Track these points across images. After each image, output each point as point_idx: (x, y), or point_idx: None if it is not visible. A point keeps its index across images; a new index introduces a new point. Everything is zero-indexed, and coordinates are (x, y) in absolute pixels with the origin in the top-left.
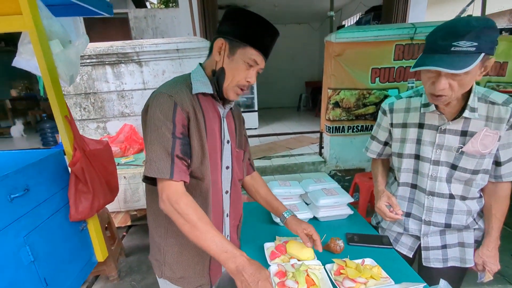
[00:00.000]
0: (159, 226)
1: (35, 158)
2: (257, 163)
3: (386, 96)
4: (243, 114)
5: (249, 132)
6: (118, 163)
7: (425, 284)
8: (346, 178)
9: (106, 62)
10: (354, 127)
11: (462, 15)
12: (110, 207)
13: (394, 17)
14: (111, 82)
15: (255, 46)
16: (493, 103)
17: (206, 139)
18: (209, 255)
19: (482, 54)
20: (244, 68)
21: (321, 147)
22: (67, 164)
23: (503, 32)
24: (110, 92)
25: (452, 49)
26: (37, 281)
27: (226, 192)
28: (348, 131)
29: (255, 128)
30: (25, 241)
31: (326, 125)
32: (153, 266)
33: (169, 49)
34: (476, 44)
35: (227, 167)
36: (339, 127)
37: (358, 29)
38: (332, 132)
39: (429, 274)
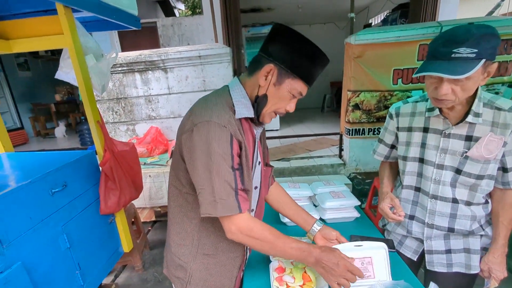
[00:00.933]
0: (187, 246)
1: (72, 158)
2: (275, 164)
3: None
4: None
5: (270, 134)
6: (144, 163)
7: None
8: (366, 181)
9: (135, 70)
10: (375, 130)
11: (496, 11)
12: (136, 203)
13: (422, 15)
14: (140, 88)
15: (306, 80)
16: (499, 109)
17: (247, 164)
18: (236, 273)
19: (483, 60)
20: (287, 98)
21: (341, 150)
22: (98, 163)
23: None
24: (139, 97)
25: (453, 55)
26: (72, 265)
27: (252, 210)
28: (368, 134)
29: (277, 130)
30: (63, 230)
31: (346, 127)
32: (172, 282)
33: (192, 56)
34: (476, 50)
35: (256, 187)
36: (359, 129)
37: (379, 30)
38: (352, 135)
39: (434, 279)
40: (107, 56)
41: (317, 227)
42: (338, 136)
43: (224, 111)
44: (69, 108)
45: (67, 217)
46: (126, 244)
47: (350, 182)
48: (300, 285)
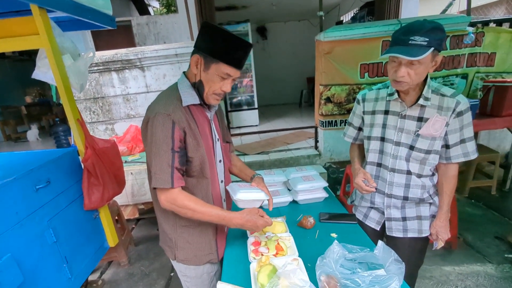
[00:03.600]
0: (168, 219)
1: (54, 156)
2: (255, 157)
3: None
4: (244, 112)
5: (249, 129)
6: (126, 161)
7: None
8: (340, 170)
9: (112, 69)
10: (346, 121)
11: (448, 9)
12: (119, 200)
13: (386, 13)
14: (117, 87)
15: (226, 62)
16: (443, 95)
17: (202, 143)
18: (214, 236)
19: (432, 48)
20: (218, 80)
21: (316, 141)
22: (80, 160)
23: (489, 23)
24: (116, 96)
25: (410, 42)
26: (59, 258)
27: (221, 181)
28: (340, 125)
29: (256, 125)
30: (48, 224)
31: (320, 120)
32: (165, 251)
33: (169, 54)
34: (427, 39)
35: (220, 161)
36: (332, 121)
37: (346, 28)
38: (325, 126)
39: (393, 244)
40: (84, 55)
41: (253, 177)
42: (314, 129)
43: (170, 102)
44: (42, 110)
45: (52, 212)
46: (111, 239)
47: (325, 171)
48: (273, 254)
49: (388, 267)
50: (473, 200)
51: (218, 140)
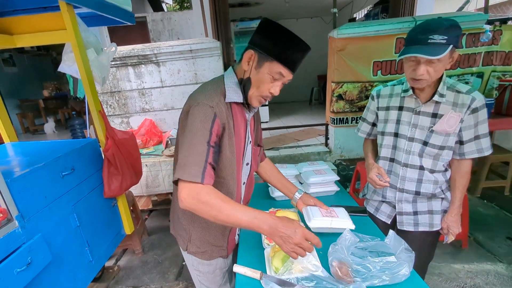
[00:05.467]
0: (186, 213)
1: (78, 145)
2: (266, 153)
3: None
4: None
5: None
6: (141, 154)
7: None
8: (350, 167)
9: (129, 64)
10: (358, 118)
11: (465, 7)
12: (134, 191)
13: (401, 10)
14: (133, 81)
15: (281, 62)
16: (458, 91)
17: (234, 144)
18: (227, 234)
19: (451, 46)
20: (268, 81)
21: (326, 138)
22: (101, 151)
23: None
24: (132, 90)
25: (429, 41)
26: (82, 242)
27: (244, 183)
28: (351, 122)
29: (266, 122)
30: (73, 209)
31: (331, 117)
32: (177, 240)
33: (183, 50)
34: (446, 37)
35: (247, 164)
36: (343, 118)
37: (359, 25)
38: (336, 124)
39: (404, 237)
40: (106, 50)
41: (298, 195)
42: (325, 126)
43: (215, 95)
44: (58, 104)
45: (76, 198)
46: (127, 227)
47: (336, 168)
48: None
49: (399, 255)
50: (485, 201)
51: (250, 143)
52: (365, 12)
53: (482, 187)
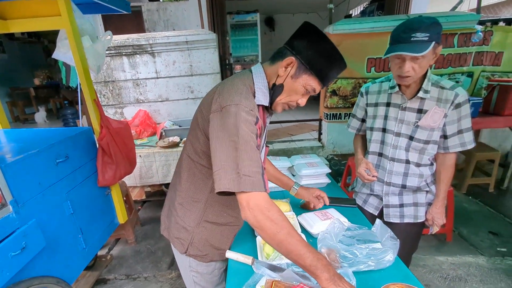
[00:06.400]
0: (191, 212)
1: (72, 133)
2: None
3: None
4: None
5: None
6: (135, 144)
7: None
8: (342, 162)
9: (123, 53)
10: (350, 114)
11: (458, 6)
12: (127, 182)
13: (396, 8)
14: (127, 72)
15: (321, 79)
16: (442, 87)
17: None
18: (231, 239)
19: (433, 42)
20: (301, 92)
21: (320, 133)
22: (95, 139)
23: (498, 22)
24: (127, 80)
25: (412, 39)
26: (76, 229)
27: None
28: (344, 118)
29: None
30: (67, 197)
31: (324, 112)
32: (172, 242)
33: (179, 41)
34: (428, 35)
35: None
36: (336, 114)
37: (355, 21)
38: (330, 119)
39: (390, 229)
40: (102, 38)
41: (296, 187)
42: (318, 121)
43: (249, 96)
44: (50, 93)
45: (70, 185)
46: (121, 216)
47: (328, 163)
48: None
49: (384, 242)
50: (470, 197)
51: (264, 145)
52: (361, 9)
53: (468, 184)
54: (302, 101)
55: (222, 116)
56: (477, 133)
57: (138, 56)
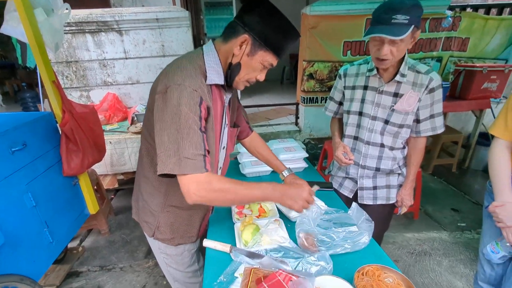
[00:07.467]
0: (155, 196)
1: (29, 118)
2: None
3: None
4: None
5: None
6: (104, 130)
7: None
8: (319, 146)
9: (86, 31)
10: (327, 98)
11: None
12: (98, 170)
13: None
14: (92, 51)
15: (277, 53)
16: (418, 72)
17: (214, 128)
18: (201, 220)
19: (412, 26)
20: (259, 69)
21: (297, 117)
22: (57, 125)
23: (466, 8)
24: (92, 60)
25: (392, 21)
26: (39, 223)
27: (220, 168)
28: (321, 102)
29: None
30: (27, 188)
31: (301, 96)
32: (142, 226)
33: (149, 18)
34: (408, 17)
35: (224, 147)
36: (313, 98)
37: (331, 3)
38: (307, 103)
39: (363, 210)
40: (58, 11)
41: (286, 173)
42: (295, 105)
43: (195, 75)
44: (5, 74)
45: (30, 176)
46: (91, 206)
47: (305, 147)
48: (256, 216)
49: (360, 225)
50: (435, 177)
51: (226, 126)
52: None
53: (434, 164)
54: (261, 76)
55: (165, 97)
56: (444, 116)
57: (103, 34)
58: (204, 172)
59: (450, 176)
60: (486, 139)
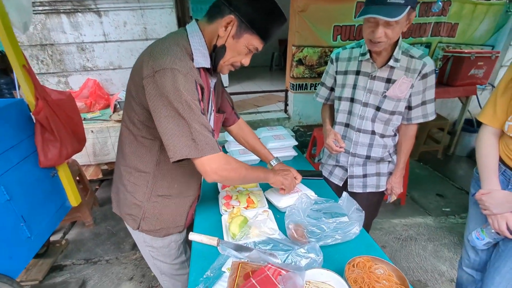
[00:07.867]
0: (140, 187)
1: None
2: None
3: None
4: None
5: None
6: (84, 118)
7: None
8: (308, 133)
9: (61, 11)
10: (317, 85)
11: None
12: (80, 160)
13: None
14: (69, 33)
15: (263, 37)
16: (412, 56)
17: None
18: (189, 208)
19: (409, 7)
20: (244, 52)
21: (286, 104)
22: (31, 113)
23: None
24: (69, 44)
25: (388, 1)
26: (15, 217)
27: None
28: (310, 88)
29: (226, 87)
30: None
31: (291, 83)
32: (124, 219)
33: None
34: None
35: None
36: (302, 84)
37: None
38: (296, 90)
39: (353, 198)
40: None
41: (274, 162)
42: (284, 92)
43: (183, 58)
44: None
45: (2, 168)
46: (73, 198)
47: (294, 134)
48: (244, 207)
49: (351, 215)
50: (421, 163)
51: (213, 111)
52: None
53: (420, 151)
54: (246, 61)
55: (158, 82)
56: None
57: (80, 14)
58: (219, 152)
59: (435, 162)
60: (470, 125)
